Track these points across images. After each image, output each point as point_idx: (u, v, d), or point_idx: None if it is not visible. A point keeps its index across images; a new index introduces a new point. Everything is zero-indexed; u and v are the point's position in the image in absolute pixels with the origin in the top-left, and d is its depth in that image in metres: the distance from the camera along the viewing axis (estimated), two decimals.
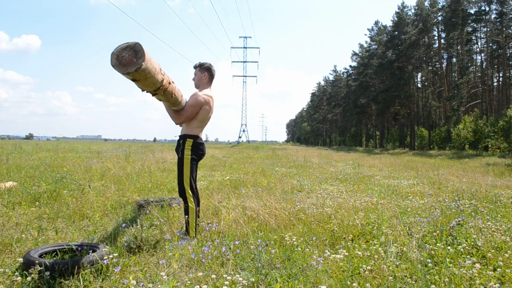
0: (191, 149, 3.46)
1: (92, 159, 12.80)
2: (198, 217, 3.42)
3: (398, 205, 4.90)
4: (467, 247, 2.96)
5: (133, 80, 2.51)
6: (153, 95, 2.88)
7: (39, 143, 38.70)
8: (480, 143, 28.67)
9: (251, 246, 2.96)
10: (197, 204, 3.66)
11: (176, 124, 3.58)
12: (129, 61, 2.30)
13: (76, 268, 2.46)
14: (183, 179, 3.43)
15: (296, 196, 5.34)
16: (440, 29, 39.70)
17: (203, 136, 3.78)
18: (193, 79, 3.68)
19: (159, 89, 2.78)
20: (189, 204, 3.38)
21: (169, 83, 2.91)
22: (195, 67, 3.67)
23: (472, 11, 36.69)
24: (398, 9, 42.26)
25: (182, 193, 3.44)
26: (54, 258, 2.87)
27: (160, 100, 3.22)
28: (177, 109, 3.49)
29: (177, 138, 3.67)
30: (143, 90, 2.79)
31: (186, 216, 3.38)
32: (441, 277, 2.36)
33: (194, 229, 3.35)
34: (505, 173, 11.02)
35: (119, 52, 2.32)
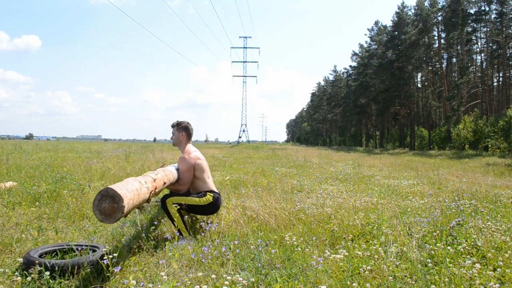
0: (211, 201, 3.55)
1: (92, 159, 12.80)
2: (184, 215, 3.43)
3: (398, 205, 4.90)
4: (467, 247, 2.96)
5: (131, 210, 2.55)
6: (148, 202, 2.96)
7: (39, 143, 38.69)
8: (480, 143, 28.68)
9: (251, 246, 2.96)
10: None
11: (183, 193, 3.64)
12: (112, 208, 2.31)
13: (76, 268, 2.46)
14: (178, 197, 3.46)
15: (296, 196, 5.34)
16: (440, 29, 39.71)
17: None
18: (171, 138, 3.79)
19: (150, 197, 2.87)
20: (170, 210, 3.39)
21: (154, 180, 2.97)
22: (172, 126, 3.78)
23: (472, 11, 36.70)
24: (398, 9, 42.25)
25: (164, 198, 3.46)
26: (54, 258, 2.87)
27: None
28: (174, 182, 3.58)
29: None
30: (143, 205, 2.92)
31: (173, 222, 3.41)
32: (441, 277, 2.36)
33: (184, 230, 3.37)
34: (505, 173, 11.02)
35: (98, 205, 2.32)
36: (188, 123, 3.77)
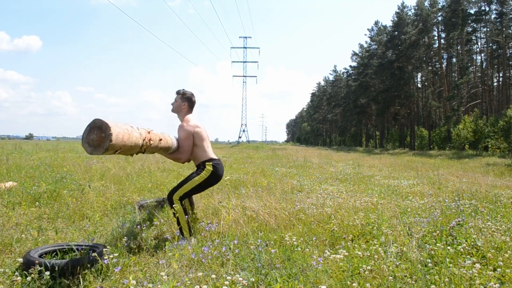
0: (212, 170, 3.53)
1: (92, 159, 12.80)
2: (187, 214, 3.43)
3: (398, 205, 4.90)
4: (467, 247, 2.96)
5: (118, 152, 2.55)
6: (143, 152, 2.94)
7: (39, 143, 38.68)
8: (480, 143, 28.68)
9: (251, 246, 2.96)
10: (191, 208, 3.72)
11: (183, 162, 3.64)
12: (100, 138, 2.33)
13: (76, 268, 2.46)
14: (181, 188, 3.46)
15: (296, 196, 5.34)
16: (440, 29, 39.71)
17: None
18: (172, 104, 3.70)
19: (144, 146, 2.85)
20: (175, 208, 3.39)
21: (149, 132, 2.96)
22: (177, 93, 3.70)
23: (472, 11, 36.70)
24: (398, 9, 42.25)
25: (170, 196, 3.46)
26: (54, 258, 2.87)
27: (153, 153, 3.28)
28: (174, 151, 3.55)
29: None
30: (132, 155, 2.89)
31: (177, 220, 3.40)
32: (441, 277, 2.36)
33: (186, 229, 3.37)
34: (505, 173, 11.02)
35: (87, 138, 2.35)
36: (192, 94, 3.70)
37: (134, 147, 2.68)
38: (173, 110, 3.69)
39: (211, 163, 3.56)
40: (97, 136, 2.33)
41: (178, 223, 3.39)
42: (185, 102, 3.65)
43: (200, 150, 3.57)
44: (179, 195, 3.42)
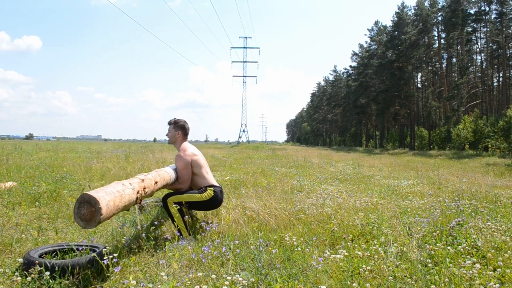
0: (212, 196, 3.53)
1: (92, 159, 12.80)
2: (184, 215, 3.43)
3: (398, 205, 4.90)
4: (467, 247, 2.96)
5: (116, 214, 2.54)
6: (140, 202, 2.92)
7: (39, 143, 38.68)
8: (480, 143, 28.68)
9: (251, 246, 2.96)
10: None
11: (185, 191, 3.63)
12: (91, 213, 2.30)
13: (76, 268, 2.46)
14: (178, 195, 3.46)
15: (296, 196, 5.34)
16: (440, 29, 39.71)
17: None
18: (167, 135, 3.77)
19: (139, 198, 2.84)
20: (170, 209, 3.39)
21: (142, 180, 2.96)
22: (169, 124, 3.76)
23: (472, 11, 36.68)
24: (398, 9, 42.26)
25: (165, 198, 3.46)
26: (54, 258, 2.87)
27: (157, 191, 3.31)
28: (174, 181, 3.57)
29: None
30: (128, 210, 2.89)
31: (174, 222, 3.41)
32: (441, 277, 2.36)
33: (185, 230, 3.37)
34: (505, 173, 11.02)
35: (78, 213, 2.31)
36: (185, 121, 3.76)
37: (128, 205, 2.69)
38: (169, 142, 3.77)
39: (212, 189, 3.58)
40: (88, 211, 2.29)
41: (175, 225, 3.39)
42: (178, 131, 3.71)
43: (200, 177, 3.60)
44: (173, 200, 3.43)
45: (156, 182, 3.16)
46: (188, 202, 3.46)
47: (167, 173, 3.44)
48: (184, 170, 3.54)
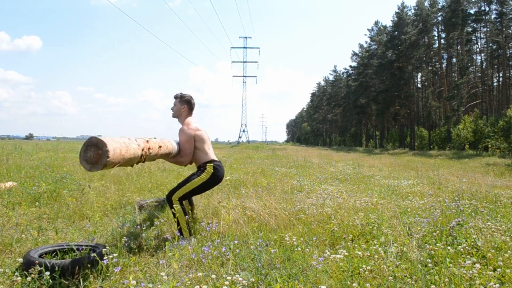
0: (212, 172, 3.53)
1: None
2: (187, 215, 3.43)
3: (398, 205, 4.90)
4: (467, 247, 2.96)
5: (118, 165, 2.56)
6: (143, 161, 2.94)
7: (39, 143, 38.69)
8: (480, 143, 28.67)
9: (251, 246, 2.96)
10: (191, 208, 3.75)
11: (185, 165, 3.67)
12: (97, 155, 2.33)
13: (76, 268, 2.46)
14: (180, 189, 3.46)
15: (296, 196, 5.34)
16: (440, 29, 39.71)
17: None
18: (172, 109, 3.72)
19: (143, 155, 2.86)
20: (174, 207, 3.39)
21: (147, 141, 2.97)
22: (175, 98, 3.72)
23: (472, 11, 36.67)
24: (398, 9, 42.25)
25: (169, 196, 3.46)
26: (54, 258, 2.87)
27: (154, 160, 3.31)
28: (175, 154, 3.56)
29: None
30: (132, 165, 2.90)
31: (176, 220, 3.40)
32: (441, 277, 2.36)
33: (186, 229, 3.37)
34: (505, 173, 11.02)
35: (84, 156, 2.36)
36: (191, 97, 3.72)
37: (133, 159, 2.70)
38: (173, 115, 3.71)
39: (212, 164, 3.57)
40: (94, 153, 2.33)
41: (178, 224, 3.39)
42: (184, 105, 3.67)
43: (202, 152, 3.59)
44: (178, 196, 3.43)
45: (160, 147, 3.16)
46: (191, 190, 3.46)
47: (170, 143, 3.44)
48: (187, 143, 3.51)
